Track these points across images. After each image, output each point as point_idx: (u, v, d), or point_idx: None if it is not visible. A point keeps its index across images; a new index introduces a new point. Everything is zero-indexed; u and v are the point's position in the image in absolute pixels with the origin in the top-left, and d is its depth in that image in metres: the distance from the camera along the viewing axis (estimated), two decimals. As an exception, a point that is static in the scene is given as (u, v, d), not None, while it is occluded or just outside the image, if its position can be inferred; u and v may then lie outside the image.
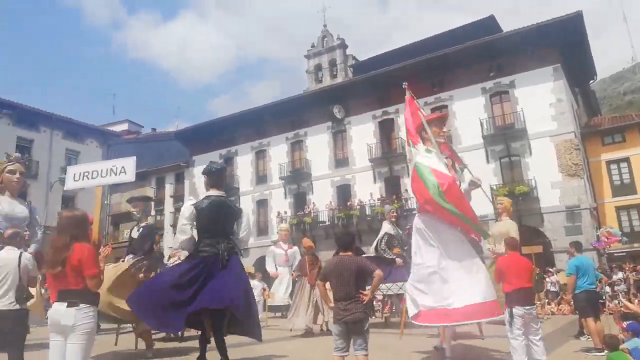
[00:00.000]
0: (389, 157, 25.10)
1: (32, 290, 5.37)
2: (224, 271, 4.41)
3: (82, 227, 3.34)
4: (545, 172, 20.58)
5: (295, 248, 9.70)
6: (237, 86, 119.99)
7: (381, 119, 26.07)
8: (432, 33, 27.93)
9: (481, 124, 22.52)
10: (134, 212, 6.20)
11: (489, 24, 25.94)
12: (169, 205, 33.31)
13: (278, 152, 29.11)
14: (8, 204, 5.19)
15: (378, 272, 3.99)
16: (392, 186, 25.13)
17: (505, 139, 22.03)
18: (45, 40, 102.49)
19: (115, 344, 6.36)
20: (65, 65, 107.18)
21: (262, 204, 29.02)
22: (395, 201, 23.21)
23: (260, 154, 30.12)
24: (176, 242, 4.77)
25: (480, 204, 6.32)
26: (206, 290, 4.32)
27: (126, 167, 4.44)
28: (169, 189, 33.74)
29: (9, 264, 4.30)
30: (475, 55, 22.89)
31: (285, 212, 27.14)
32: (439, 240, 4.87)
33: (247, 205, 26.53)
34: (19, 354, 4.20)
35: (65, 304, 3.09)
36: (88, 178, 4.54)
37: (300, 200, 27.92)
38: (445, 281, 4.73)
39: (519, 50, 21.97)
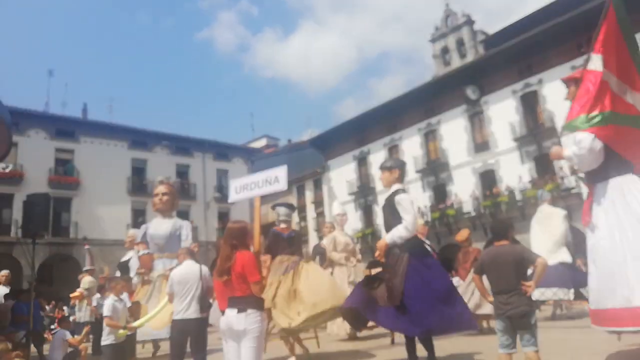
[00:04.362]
0: (536, 134, 22.65)
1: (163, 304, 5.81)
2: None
3: (240, 237, 3.48)
4: None
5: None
6: (362, 85, 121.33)
7: (522, 93, 23.68)
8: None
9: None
10: (281, 219, 6.33)
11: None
12: (310, 211, 34.65)
13: (411, 145, 28.31)
14: (155, 225, 5.75)
15: (541, 260, 3.59)
16: (544, 166, 22.59)
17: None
18: (186, 73, 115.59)
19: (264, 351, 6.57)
20: (205, 93, 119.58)
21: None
22: (550, 182, 20.84)
23: (393, 150, 29.62)
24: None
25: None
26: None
27: (279, 177, 4.48)
28: (309, 195, 35.12)
29: (192, 276, 4.80)
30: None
31: (426, 207, 26.20)
32: None
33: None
34: (204, 358, 4.70)
35: (236, 310, 3.26)
36: (247, 190, 4.68)
37: (440, 193, 26.74)
38: None
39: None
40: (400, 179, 4.64)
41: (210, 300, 5.14)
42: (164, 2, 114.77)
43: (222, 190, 31.38)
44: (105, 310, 5.34)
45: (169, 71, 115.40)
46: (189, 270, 4.89)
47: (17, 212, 22.15)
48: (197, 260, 5.15)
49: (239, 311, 3.25)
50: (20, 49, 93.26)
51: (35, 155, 24.78)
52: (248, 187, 4.64)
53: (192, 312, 4.69)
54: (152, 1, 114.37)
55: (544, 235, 7.97)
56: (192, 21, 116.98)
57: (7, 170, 23.78)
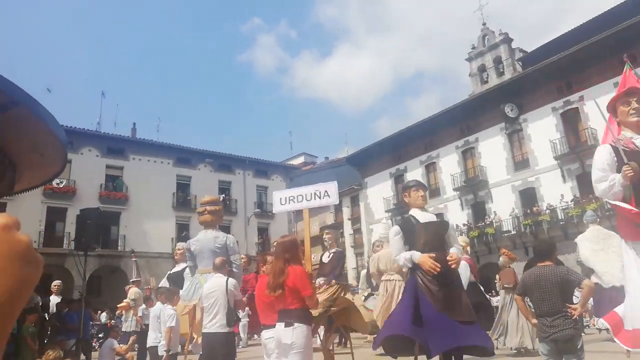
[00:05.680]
0: (578, 152, 22.11)
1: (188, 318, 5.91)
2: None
3: (292, 251, 3.53)
4: None
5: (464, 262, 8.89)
6: (397, 104, 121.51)
7: (563, 110, 23.26)
8: (609, 5, 23.91)
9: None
10: (326, 239, 6.51)
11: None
12: (347, 228, 34.77)
13: (448, 162, 28.13)
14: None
15: (587, 282, 3.52)
16: (587, 184, 21.98)
17: None
18: (228, 94, 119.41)
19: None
20: (246, 112, 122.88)
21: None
22: (594, 201, 20.24)
23: (430, 167, 29.52)
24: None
25: None
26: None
27: (329, 191, 4.56)
28: (346, 212, 35.27)
29: (218, 289, 4.77)
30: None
31: (464, 225, 25.88)
32: None
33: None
34: None
35: (284, 324, 3.31)
36: (294, 202, 4.67)
37: (479, 211, 26.37)
38: None
39: None
40: None
41: (240, 314, 5.17)
42: (207, 26, 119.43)
43: (262, 206, 32.03)
44: (170, 321, 5.47)
45: (213, 92, 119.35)
46: (215, 284, 4.86)
47: (69, 226, 23.37)
48: (225, 274, 5.15)
49: (287, 325, 3.28)
50: (76, 72, 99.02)
51: (87, 171, 26.02)
52: (295, 199, 4.65)
53: (218, 326, 4.62)
54: (196, 26, 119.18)
55: (609, 255, 7.57)
56: (234, 44, 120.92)
57: (61, 186, 25.22)
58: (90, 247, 8.76)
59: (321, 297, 5.48)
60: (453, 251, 3.97)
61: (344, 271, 6.94)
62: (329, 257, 6.17)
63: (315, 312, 5.25)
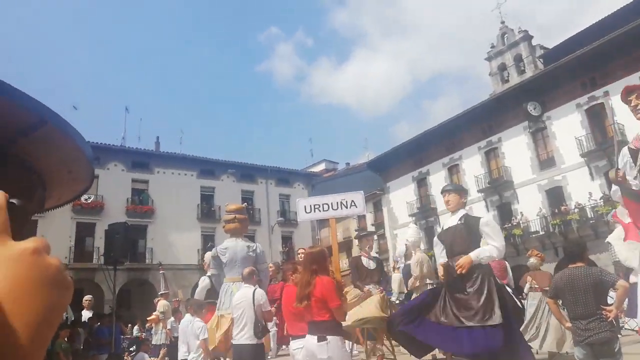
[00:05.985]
0: (605, 148, 21.50)
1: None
2: None
3: (320, 262, 3.50)
4: None
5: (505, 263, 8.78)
6: (416, 108, 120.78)
7: (588, 106, 22.70)
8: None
9: None
10: (370, 245, 6.43)
11: None
12: (371, 233, 34.52)
13: (471, 164, 27.74)
14: None
15: (622, 283, 3.42)
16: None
17: None
18: (248, 104, 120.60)
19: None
20: (266, 122, 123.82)
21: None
22: (625, 197, 19.66)
23: (452, 169, 29.16)
24: None
25: None
26: None
27: (356, 201, 4.55)
28: (369, 217, 35.06)
29: (245, 300, 4.74)
30: None
31: (491, 226, 25.42)
32: None
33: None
34: None
35: (316, 338, 3.24)
36: (320, 210, 4.64)
37: (505, 212, 25.89)
38: None
39: None
40: (465, 204, 4.44)
41: (268, 326, 5.18)
42: (226, 38, 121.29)
43: (285, 214, 32.11)
44: (202, 334, 5.52)
45: (233, 103, 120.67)
46: (243, 295, 4.83)
47: (98, 240, 23.85)
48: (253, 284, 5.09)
49: (319, 339, 3.20)
50: (99, 89, 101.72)
51: (114, 186, 26.52)
52: (320, 207, 4.62)
53: (246, 337, 4.57)
54: (215, 38, 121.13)
55: None
56: (252, 55, 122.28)
57: (90, 201, 25.78)
58: (119, 261, 8.93)
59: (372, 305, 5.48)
60: (471, 255, 3.90)
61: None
62: (375, 263, 6.11)
63: (372, 314, 5.29)
